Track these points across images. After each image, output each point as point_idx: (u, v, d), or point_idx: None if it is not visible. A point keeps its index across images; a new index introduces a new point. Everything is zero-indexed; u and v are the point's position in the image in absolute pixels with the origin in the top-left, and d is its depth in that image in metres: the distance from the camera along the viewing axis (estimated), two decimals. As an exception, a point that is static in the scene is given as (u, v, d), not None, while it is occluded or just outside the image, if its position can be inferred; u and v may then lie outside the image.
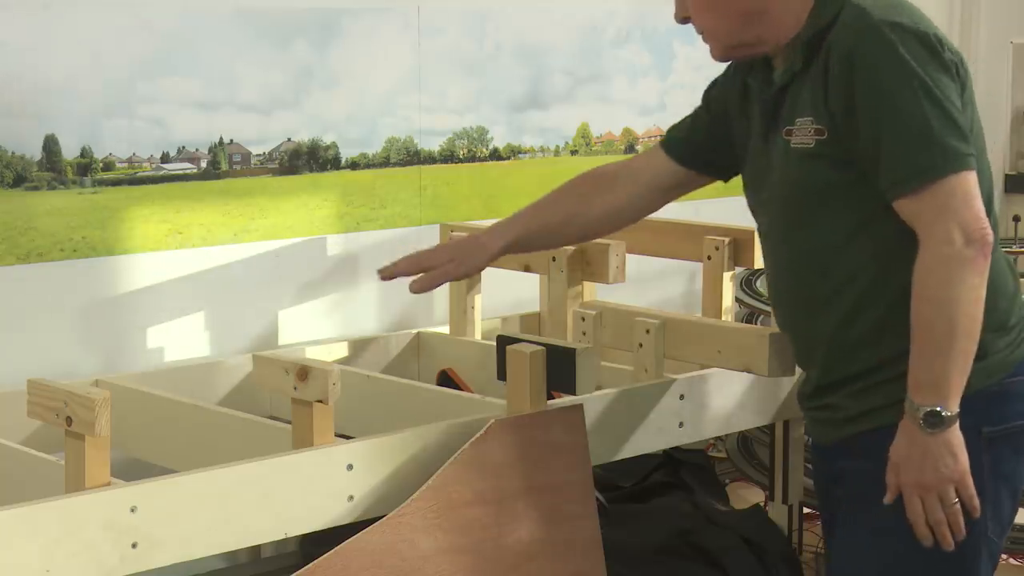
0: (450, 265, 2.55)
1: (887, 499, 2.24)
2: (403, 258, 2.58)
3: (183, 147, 3.22)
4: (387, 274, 2.56)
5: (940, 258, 2.14)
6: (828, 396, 2.37)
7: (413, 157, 3.60)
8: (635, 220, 2.67)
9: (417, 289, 2.54)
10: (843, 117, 2.21)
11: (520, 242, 2.62)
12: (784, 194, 2.36)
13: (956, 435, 2.17)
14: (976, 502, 2.19)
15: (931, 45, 2.18)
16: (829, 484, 2.43)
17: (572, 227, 2.64)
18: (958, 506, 2.19)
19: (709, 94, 2.56)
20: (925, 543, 2.21)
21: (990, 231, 2.15)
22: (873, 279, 2.26)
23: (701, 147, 2.56)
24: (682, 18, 2.41)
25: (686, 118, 2.62)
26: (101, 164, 3.09)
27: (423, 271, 2.53)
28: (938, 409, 2.15)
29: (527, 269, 3.31)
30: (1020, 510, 3.17)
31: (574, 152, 3.96)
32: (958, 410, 2.16)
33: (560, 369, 2.55)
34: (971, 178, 2.16)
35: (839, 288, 2.30)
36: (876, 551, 2.29)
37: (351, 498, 2.41)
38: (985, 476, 2.24)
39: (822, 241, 2.31)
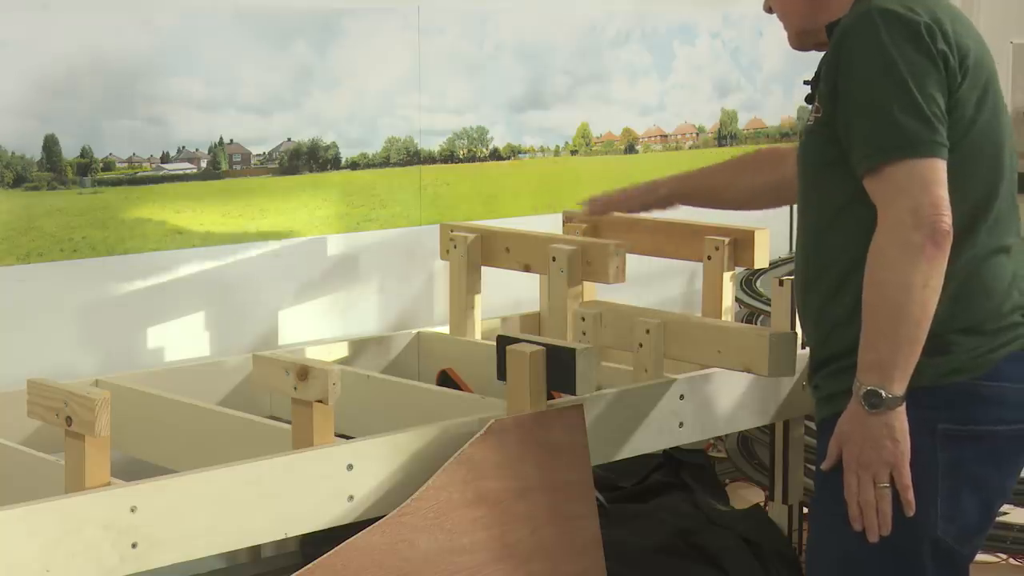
0: (623, 197, 3.06)
1: (824, 465, 2.27)
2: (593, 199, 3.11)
3: (183, 147, 3.22)
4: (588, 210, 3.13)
5: (889, 240, 2.15)
6: (816, 375, 2.40)
7: (413, 157, 3.60)
8: (787, 202, 2.96)
9: (590, 212, 3.13)
10: (830, 97, 2.26)
11: (684, 196, 3.02)
12: (799, 172, 2.44)
13: (899, 419, 2.18)
14: (910, 494, 2.20)
15: (916, 34, 2.19)
16: None
17: (727, 195, 2.97)
18: (887, 490, 2.20)
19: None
20: (854, 525, 2.22)
21: (945, 221, 2.13)
22: (852, 260, 2.27)
23: None
24: (767, 7, 2.51)
25: None
26: (101, 164, 3.09)
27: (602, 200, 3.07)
28: (879, 390, 2.16)
29: (527, 269, 3.31)
30: (1020, 511, 3.19)
31: (574, 152, 3.96)
32: (901, 394, 2.17)
33: (560, 369, 2.55)
34: (934, 165, 2.16)
35: (825, 266, 2.33)
36: (835, 534, 2.30)
37: (351, 498, 2.41)
38: (939, 473, 2.24)
39: (815, 219, 2.36)
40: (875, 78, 2.19)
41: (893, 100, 2.17)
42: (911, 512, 2.21)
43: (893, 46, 2.18)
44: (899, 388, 2.17)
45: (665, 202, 3.03)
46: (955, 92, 2.21)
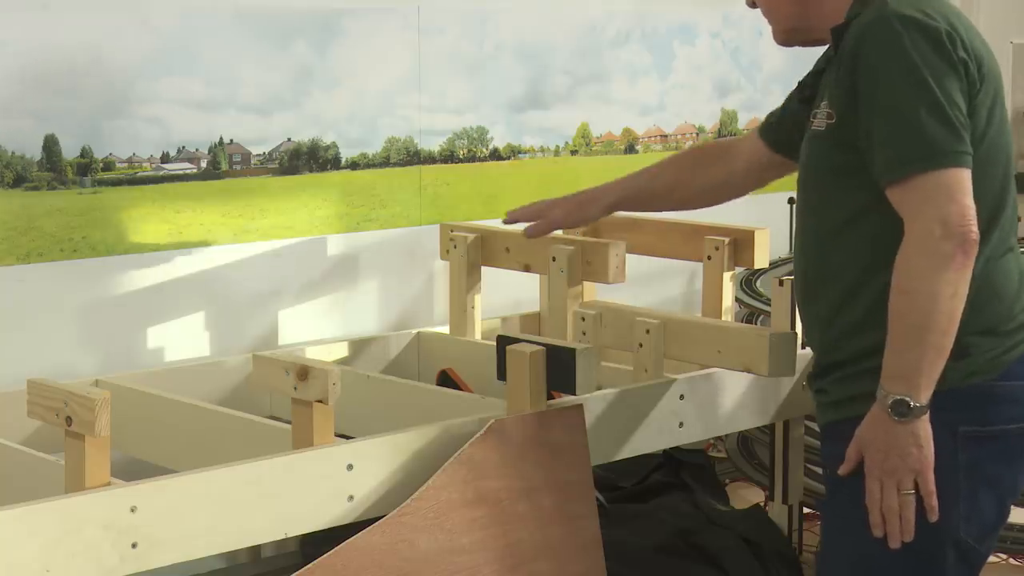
0: (563, 213, 2.92)
1: (842, 470, 2.27)
2: (524, 206, 2.96)
3: (183, 147, 3.22)
4: (510, 219, 2.96)
5: (918, 250, 2.15)
6: (821, 380, 2.40)
7: (413, 157, 3.60)
8: (734, 196, 2.86)
9: (531, 233, 2.92)
10: (848, 103, 2.25)
11: (626, 202, 2.92)
12: (802, 176, 2.42)
13: (924, 427, 2.18)
14: (934, 500, 2.20)
15: (938, 41, 2.18)
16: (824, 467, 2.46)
17: (674, 196, 2.88)
18: (911, 496, 2.20)
19: (802, 80, 2.59)
20: (875, 531, 2.23)
21: (973, 230, 2.14)
22: (866, 267, 2.27)
23: (788, 132, 2.60)
24: (750, 2, 2.50)
25: (783, 103, 2.71)
26: (101, 164, 3.09)
27: (540, 218, 2.91)
28: (906, 399, 2.17)
29: (527, 269, 3.31)
30: (1020, 511, 3.19)
31: (574, 152, 3.96)
32: (927, 402, 2.17)
33: (560, 369, 2.55)
34: (960, 175, 2.16)
35: (836, 273, 2.32)
36: (850, 538, 2.30)
37: (351, 498, 2.41)
38: (960, 475, 2.25)
39: (825, 224, 2.35)
40: (899, 84, 2.17)
41: (919, 107, 2.16)
42: (934, 518, 2.21)
43: (915, 51, 2.17)
44: (925, 397, 2.17)
45: (608, 212, 2.96)
46: (972, 100, 2.21)
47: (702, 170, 2.84)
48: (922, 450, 2.19)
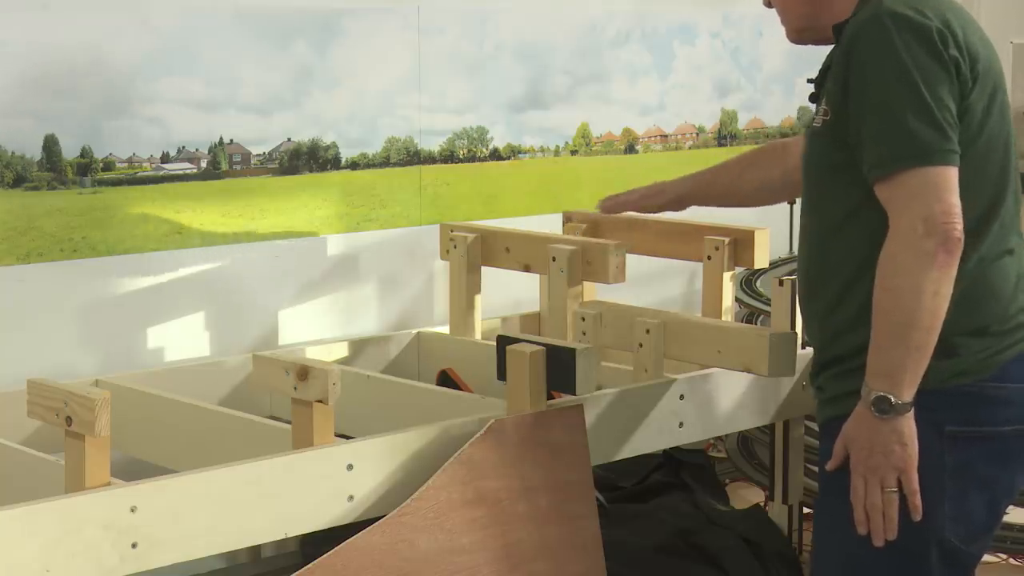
0: (635, 198, 3.05)
1: (828, 465, 2.28)
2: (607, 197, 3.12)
3: (183, 147, 3.22)
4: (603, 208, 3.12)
5: (900, 247, 2.15)
6: (819, 377, 2.40)
7: (413, 157, 3.60)
8: (790, 197, 3.00)
9: (605, 209, 3.09)
10: (841, 100, 2.25)
11: (691, 197, 3.02)
12: (804, 173, 2.44)
13: (908, 424, 2.18)
14: (918, 499, 2.20)
15: (929, 40, 2.18)
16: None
17: (735, 193, 2.96)
18: (894, 495, 2.20)
19: (812, 79, 2.60)
20: (859, 528, 2.23)
21: (957, 228, 2.14)
22: (859, 264, 2.27)
23: None
24: (767, 1, 2.51)
25: None
26: (101, 164, 3.09)
27: (617, 200, 3.08)
28: (888, 396, 2.17)
29: (527, 269, 3.31)
30: (1020, 511, 3.19)
31: (574, 152, 3.96)
32: (910, 400, 2.17)
33: (560, 369, 2.55)
34: (947, 173, 2.16)
35: (832, 270, 2.33)
36: (838, 535, 2.31)
37: (351, 498, 2.41)
38: (946, 474, 2.25)
39: (823, 222, 2.36)
40: (888, 83, 2.18)
41: (907, 106, 2.16)
42: (917, 517, 2.21)
43: (905, 50, 2.18)
44: (908, 394, 2.17)
45: (678, 204, 3.03)
46: (966, 98, 2.21)
47: (760, 170, 2.90)
48: (905, 448, 2.19)
